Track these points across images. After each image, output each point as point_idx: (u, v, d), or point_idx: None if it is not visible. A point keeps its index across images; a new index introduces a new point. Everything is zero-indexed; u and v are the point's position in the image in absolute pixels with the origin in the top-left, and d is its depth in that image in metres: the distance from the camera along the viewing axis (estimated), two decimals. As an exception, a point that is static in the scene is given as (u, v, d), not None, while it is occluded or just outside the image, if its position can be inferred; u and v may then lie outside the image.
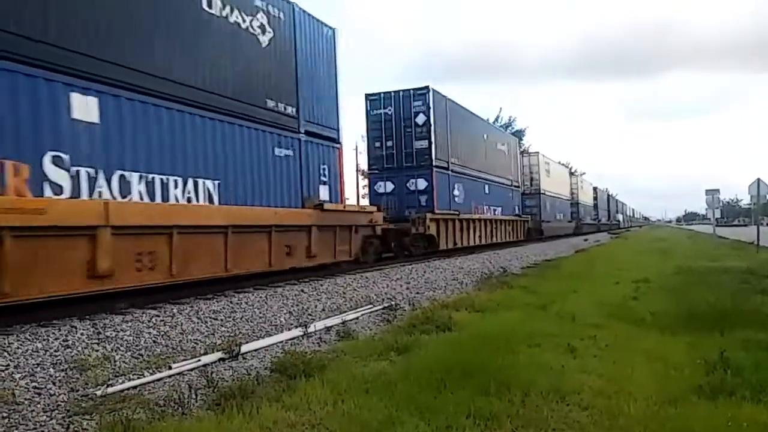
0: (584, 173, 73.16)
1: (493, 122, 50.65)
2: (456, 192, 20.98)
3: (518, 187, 31.59)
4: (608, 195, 78.00)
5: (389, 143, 19.17)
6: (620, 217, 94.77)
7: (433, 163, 18.98)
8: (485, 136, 25.89)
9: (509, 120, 61.17)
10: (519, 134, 55.16)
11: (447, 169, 20.18)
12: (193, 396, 4.99)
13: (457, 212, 20.44)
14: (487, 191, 25.17)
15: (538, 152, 38.12)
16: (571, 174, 53.80)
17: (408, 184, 19.13)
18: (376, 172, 19.60)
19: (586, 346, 6.51)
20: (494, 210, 26.00)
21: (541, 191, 36.12)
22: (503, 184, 28.24)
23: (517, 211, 30.42)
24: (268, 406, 4.53)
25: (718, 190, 34.33)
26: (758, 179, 24.22)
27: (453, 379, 5.06)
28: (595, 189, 64.27)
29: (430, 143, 18.85)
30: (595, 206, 62.56)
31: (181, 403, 4.80)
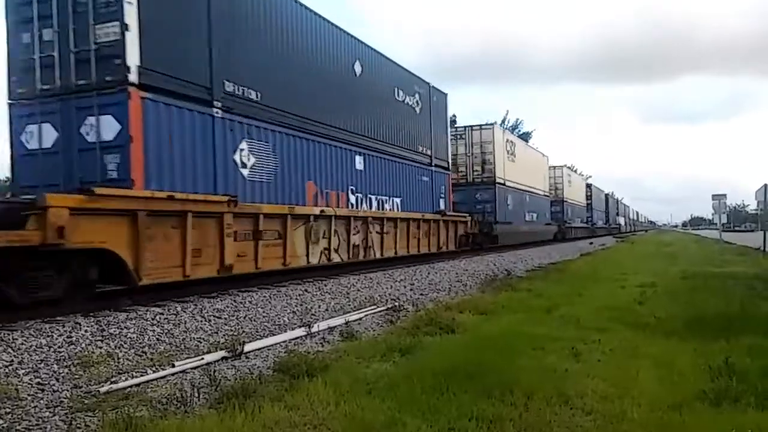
0: (590, 176, 71.79)
1: (500, 124, 47.92)
2: (243, 157, 10.46)
3: (447, 169, 20.84)
4: (607, 195, 68.71)
5: (47, 35, 8.61)
6: (621, 220, 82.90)
7: (133, 78, 8.32)
8: (356, 67, 14.72)
9: (516, 122, 61.10)
10: (526, 137, 54.95)
11: (208, 103, 9.62)
12: (196, 394, 4.99)
13: (232, 198, 9.72)
14: (359, 166, 14.64)
15: (494, 124, 26.73)
16: (559, 167, 44.21)
17: (82, 130, 8.52)
18: (25, 103, 8.88)
19: (590, 350, 6.47)
20: (383, 202, 15.66)
21: (498, 181, 25.86)
22: (408, 160, 17.42)
23: (441, 206, 19.58)
24: (271, 405, 4.52)
25: (724, 195, 34.33)
26: (765, 185, 24.09)
27: (456, 382, 5.05)
28: (588, 186, 55.22)
29: (124, 29, 8.26)
30: (589, 207, 52.96)
31: (184, 401, 4.80)
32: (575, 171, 61.45)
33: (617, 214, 77.24)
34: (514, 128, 58.28)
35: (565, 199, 42.07)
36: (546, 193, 36.90)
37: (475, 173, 25.64)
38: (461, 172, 25.29)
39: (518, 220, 29.16)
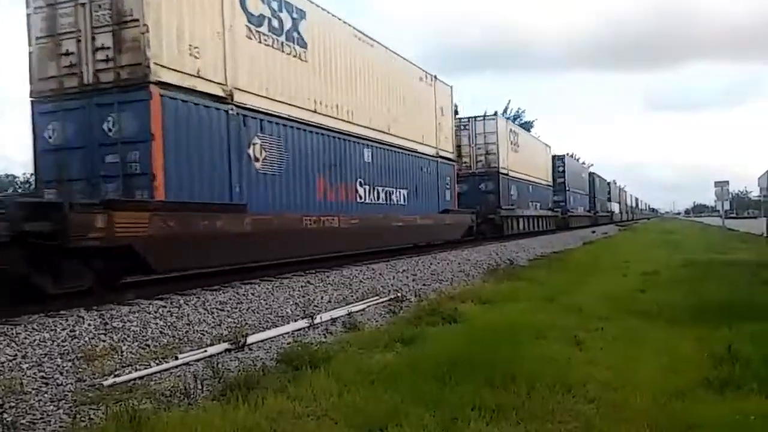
0: (592, 165, 70.44)
1: (502, 114, 46.23)
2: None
3: None
4: (592, 174, 54.49)
5: None
6: (616, 207, 68.68)
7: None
8: None
9: (518, 111, 60.50)
10: (527, 126, 54.42)
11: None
12: (199, 386, 5.01)
13: None
14: None
15: None
16: (491, 118, 26.54)
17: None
18: None
19: (592, 338, 6.47)
20: None
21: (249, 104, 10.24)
22: None
23: None
24: (274, 396, 4.54)
25: (727, 182, 34.14)
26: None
27: (458, 371, 5.05)
28: (560, 159, 40.42)
29: None
30: (561, 188, 39.39)
31: (187, 393, 4.82)
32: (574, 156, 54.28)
33: (609, 200, 63.84)
34: (516, 117, 57.72)
35: (503, 172, 25.91)
36: (446, 156, 20.01)
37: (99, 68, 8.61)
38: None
39: (339, 203, 13.26)
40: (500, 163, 25.51)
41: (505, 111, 55.72)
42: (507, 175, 26.56)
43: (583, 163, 59.84)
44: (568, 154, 46.93)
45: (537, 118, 79.91)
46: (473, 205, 22.93)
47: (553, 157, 39.17)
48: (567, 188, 40.47)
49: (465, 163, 24.66)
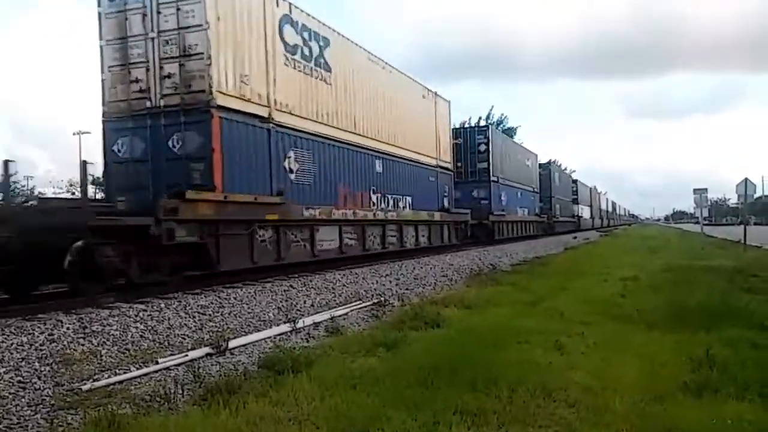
0: (574, 171, 70.79)
1: (485, 120, 45.33)
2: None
3: None
4: (550, 166, 42.97)
5: None
6: (586, 211, 56.92)
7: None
8: None
9: (501, 117, 60.94)
10: (510, 132, 54.84)
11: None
12: (180, 391, 4.96)
13: None
14: None
15: None
16: None
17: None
18: None
19: (573, 343, 6.52)
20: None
21: None
22: None
23: None
24: (255, 401, 4.51)
25: (705, 189, 34.75)
26: (746, 179, 24.39)
27: (441, 375, 5.06)
28: (479, 131, 27.08)
29: None
30: (483, 179, 25.47)
31: (168, 398, 4.77)
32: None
33: (575, 202, 51.52)
34: (499, 123, 58.19)
35: (229, 107, 9.83)
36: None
37: None
38: None
39: None
40: (219, 80, 9.74)
41: (488, 117, 56.07)
42: (269, 119, 11.03)
43: (560, 165, 59.47)
44: (552, 161, 45.09)
45: (520, 125, 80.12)
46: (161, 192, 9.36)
47: (470, 127, 26.59)
48: (494, 179, 26.11)
49: (140, 91, 9.96)
